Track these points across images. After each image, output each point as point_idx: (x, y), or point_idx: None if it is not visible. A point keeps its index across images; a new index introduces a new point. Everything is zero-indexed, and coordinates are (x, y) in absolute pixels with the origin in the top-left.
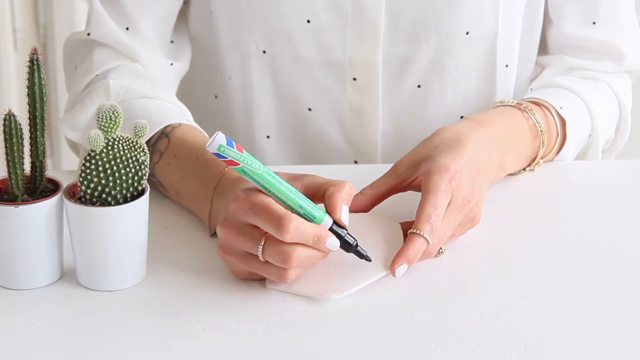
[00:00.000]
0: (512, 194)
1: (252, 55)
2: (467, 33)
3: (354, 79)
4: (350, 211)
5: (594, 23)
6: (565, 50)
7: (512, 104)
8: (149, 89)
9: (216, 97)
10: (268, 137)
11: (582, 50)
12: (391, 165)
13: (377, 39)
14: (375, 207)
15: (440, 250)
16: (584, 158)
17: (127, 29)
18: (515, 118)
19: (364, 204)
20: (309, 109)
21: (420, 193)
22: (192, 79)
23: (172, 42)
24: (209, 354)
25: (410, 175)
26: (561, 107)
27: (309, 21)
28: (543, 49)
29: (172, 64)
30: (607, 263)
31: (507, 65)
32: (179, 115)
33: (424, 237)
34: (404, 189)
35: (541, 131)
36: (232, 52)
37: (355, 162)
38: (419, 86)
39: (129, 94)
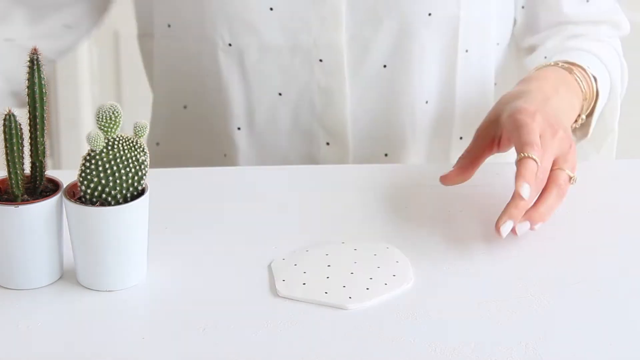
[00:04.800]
0: (510, 194)
1: (219, 49)
2: (429, 14)
3: (320, 60)
4: (454, 179)
5: (587, 1)
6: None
7: (551, 64)
8: None
9: (185, 107)
10: (239, 128)
11: (581, 22)
12: (363, 152)
13: (339, 21)
14: (369, 229)
15: (572, 179)
16: (603, 116)
17: None
18: (562, 72)
19: (465, 172)
20: (280, 94)
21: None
22: (158, 96)
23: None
24: (209, 354)
25: (495, 131)
26: (588, 67)
27: (271, 9)
28: (534, 30)
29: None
30: (607, 263)
31: (467, 50)
32: None
33: (531, 157)
34: (494, 147)
35: (583, 88)
36: (202, 50)
37: (327, 144)
38: (384, 66)
39: None
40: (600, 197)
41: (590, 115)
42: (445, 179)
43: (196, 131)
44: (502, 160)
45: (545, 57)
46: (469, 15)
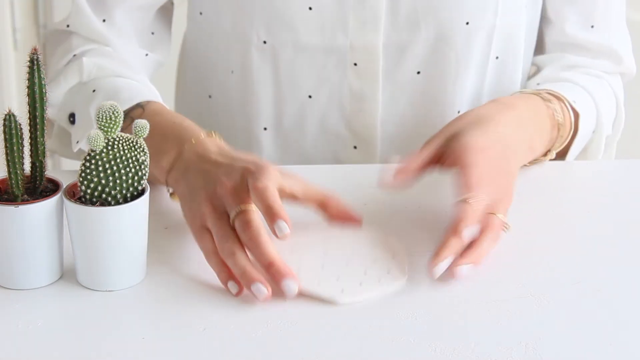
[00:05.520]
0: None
1: (252, 46)
2: (467, 23)
3: (355, 64)
4: (396, 182)
5: (592, 27)
6: (566, 49)
7: (532, 92)
8: (122, 69)
9: (210, 96)
10: (265, 129)
11: (581, 49)
12: (390, 156)
13: (378, 24)
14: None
15: (505, 225)
16: (585, 153)
17: (104, 20)
18: (537, 104)
19: (411, 179)
20: (309, 96)
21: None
22: (184, 81)
23: (152, 33)
24: (209, 354)
25: (443, 150)
26: (574, 101)
27: (310, 8)
28: (539, 49)
29: (147, 55)
30: (607, 263)
31: (497, 57)
32: (151, 95)
33: (472, 202)
34: (436, 163)
35: (559, 122)
36: (233, 45)
37: (355, 148)
38: (418, 72)
39: (101, 71)
40: (601, 197)
41: (565, 151)
42: (394, 182)
43: (219, 124)
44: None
45: (538, 84)
46: (503, 23)
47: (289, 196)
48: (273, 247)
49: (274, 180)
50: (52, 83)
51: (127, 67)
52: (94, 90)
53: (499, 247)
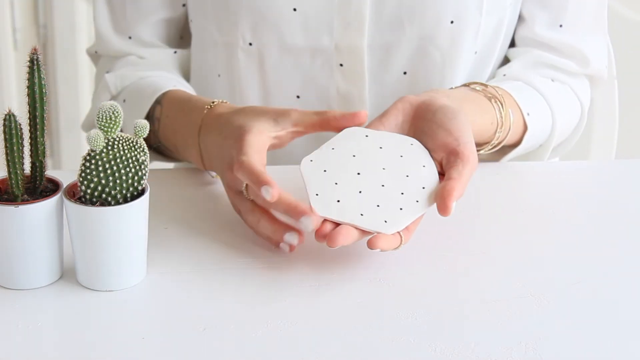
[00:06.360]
0: (510, 194)
1: (238, 48)
2: (452, 22)
3: (341, 65)
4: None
5: (560, 26)
6: (534, 46)
7: (481, 89)
8: (142, 72)
9: None
10: None
11: (548, 48)
12: None
13: (362, 25)
14: None
15: None
16: (525, 158)
17: (130, 37)
18: (482, 102)
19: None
20: (297, 97)
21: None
22: None
23: (181, 37)
24: (209, 354)
25: (408, 126)
26: (528, 114)
27: (295, 9)
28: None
29: (175, 52)
30: (606, 263)
31: (475, 52)
32: (169, 83)
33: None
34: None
35: (502, 124)
36: (219, 48)
37: None
38: (404, 73)
39: (126, 80)
40: (601, 197)
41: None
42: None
43: None
44: (503, 160)
45: (505, 75)
46: (488, 21)
47: (291, 136)
48: (285, 195)
49: (256, 146)
50: (91, 108)
51: (149, 66)
52: (124, 101)
53: (498, 247)
